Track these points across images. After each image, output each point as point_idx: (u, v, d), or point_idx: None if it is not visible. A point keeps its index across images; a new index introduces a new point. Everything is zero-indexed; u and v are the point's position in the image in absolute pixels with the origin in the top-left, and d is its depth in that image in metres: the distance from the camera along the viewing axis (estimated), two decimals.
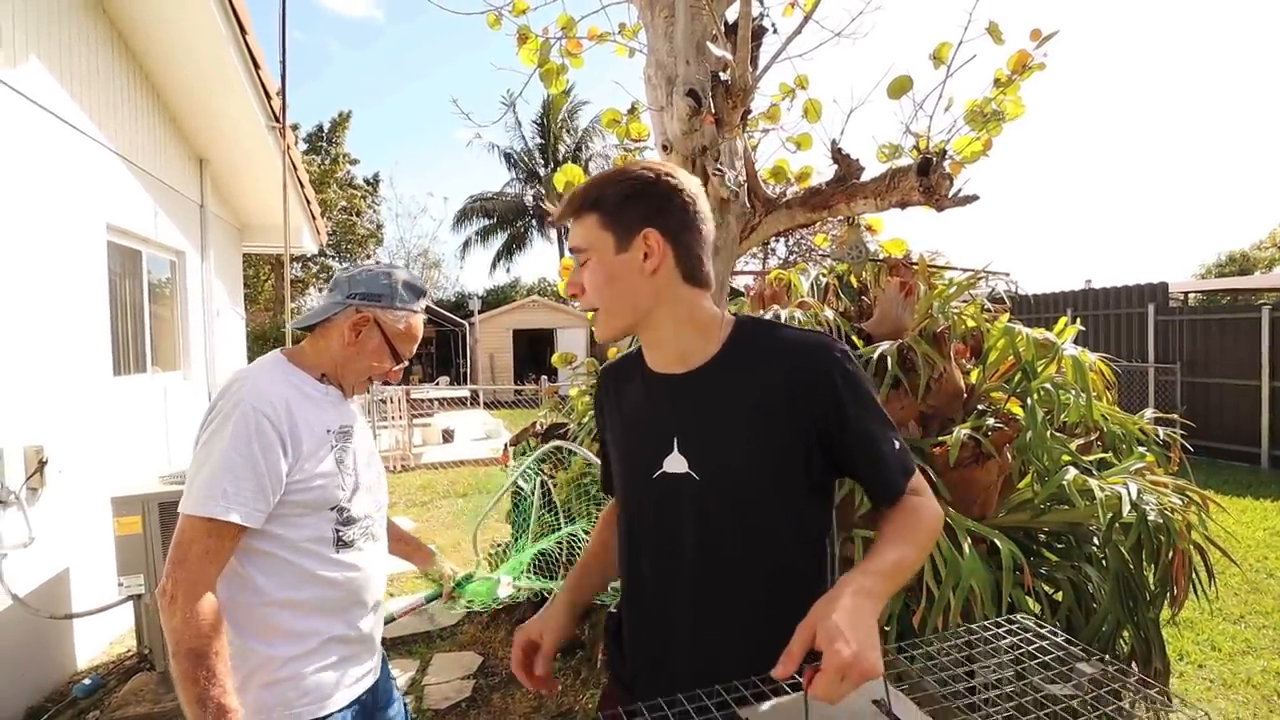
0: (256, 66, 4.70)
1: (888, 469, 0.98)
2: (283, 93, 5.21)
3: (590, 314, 1.04)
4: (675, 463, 1.00)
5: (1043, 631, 0.97)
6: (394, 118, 64.11)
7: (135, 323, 4.63)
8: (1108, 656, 0.88)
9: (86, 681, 3.13)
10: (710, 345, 1.02)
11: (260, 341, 21.87)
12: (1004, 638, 0.97)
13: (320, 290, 27.73)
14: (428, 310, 1.53)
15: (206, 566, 1.14)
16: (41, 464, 3.10)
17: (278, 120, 5.22)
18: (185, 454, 4.98)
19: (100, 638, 3.66)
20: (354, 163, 26.67)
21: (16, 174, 3.16)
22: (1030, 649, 0.94)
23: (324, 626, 1.28)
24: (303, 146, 24.38)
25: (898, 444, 1.00)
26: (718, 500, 0.99)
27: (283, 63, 5.30)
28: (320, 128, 25.37)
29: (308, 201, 6.86)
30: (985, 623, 1.03)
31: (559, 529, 3.72)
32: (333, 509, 1.29)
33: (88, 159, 3.84)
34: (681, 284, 1.01)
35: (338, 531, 1.30)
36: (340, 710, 1.29)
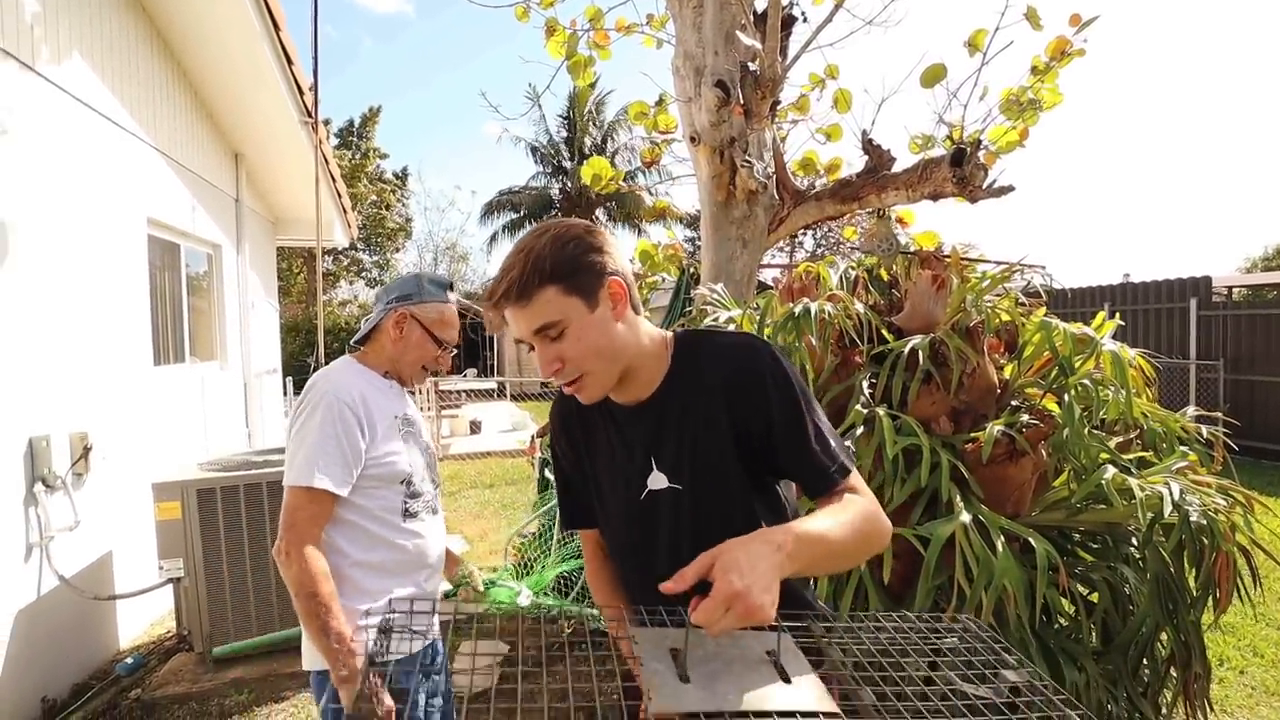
0: (290, 62, 4.77)
1: (820, 461, 1.02)
2: (315, 88, 5.29)
3: (565, 384, 1.04)
4: (658, 480, 1.08)
5: (983, 635, 0.94)
6: (422, 112, 64.69)
7: (174, 314, 4.76)
8: (1040, 675, 0.82)
9: (129, 661, 3.23)
10: (663, 364, 1.09)
11: (293, 333, 22.29)
12: (940, 634, 0.96)
13: (350, 283, 28.15)
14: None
15: (310, 527, 1.41)
16: (86, 450, 3.20)
17: (310, 115, 5.30)
18: (222, 442, 5.11)
19: (141, 619, 3.78)
20: (384, 157, 27.00)
21: (62, 169, 3.26)
22: (960, 647, 0.92)
23: (393, 585, 1.50)
24: (334, 141, 24.75)
25: (833, 442, 1.04)
26: (701, 504, 1.06)
27: (315, 58, 5.38)
28: (351, 123, 25.71)
29: (339, 195, 6.96)
30: (927, 615, 1.01)
31: None
32: (402, 482, 1.54)
33: (129, 154, 3.94)
34: (634, 317, 1.06)
35: (405, 503, 1.54)
36: (407, 657, 1.46)
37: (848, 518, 0.95)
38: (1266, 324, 8.11)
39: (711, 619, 0.75)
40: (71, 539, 3.10)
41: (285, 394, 7.47)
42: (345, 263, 26.58)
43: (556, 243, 0.99)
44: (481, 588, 1.85)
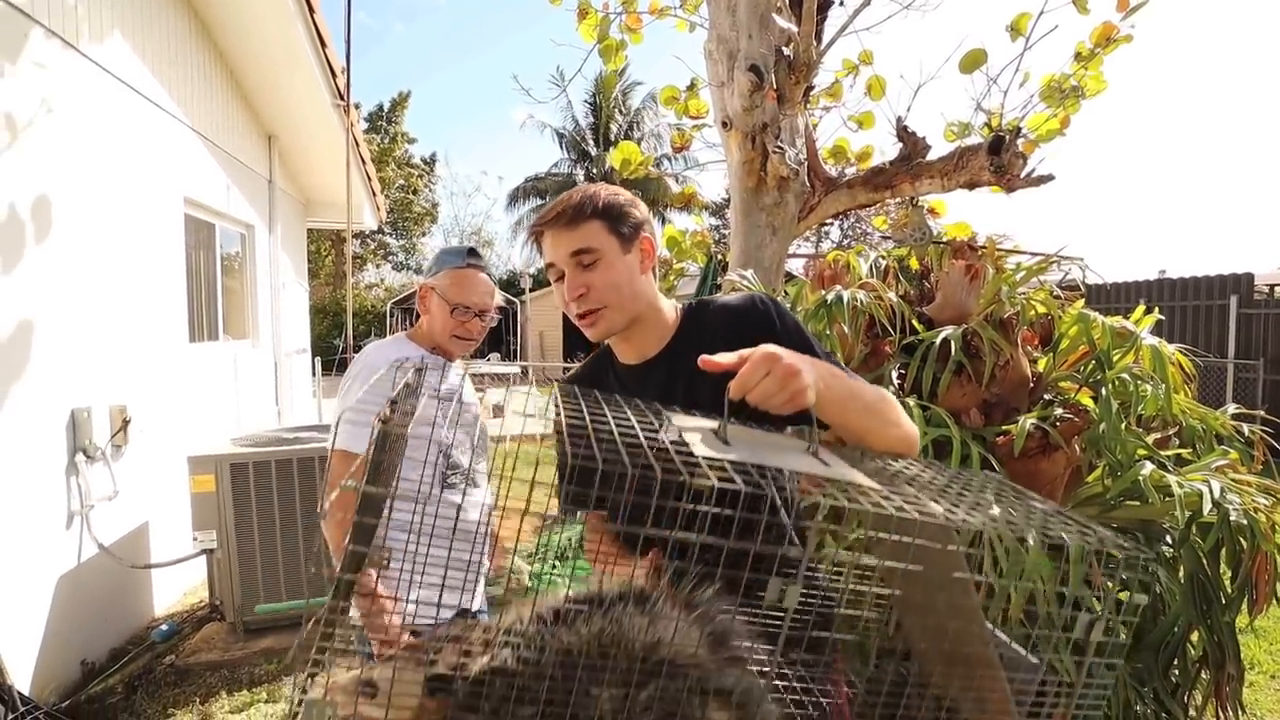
0: (323, 45, 4.81)
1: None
2: (347, 71, 5.33)
3: (582, 315, 1.12)
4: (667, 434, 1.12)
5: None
6: (450, 97, 64.89)
7: (209, 293, 4.85)
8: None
9: (164, 628, 3.33)
10: (670, 329, 1.18)
11: (321, 315, 22.63)
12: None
13: (378, 266, 28.48)
14: None
15: (350, 491, 1.40)
16: (125, 423, 3.29)
17: (342, 98, 5.34)
18: (254, 419, 5.22)
19: (175, 588, 3.89)
20: (411, 141, 27.18)
21: (103, 147, 3.33)
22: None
23: (430, 552, 1.50)
24: (363, 125, 24.95)
25: (853, 374, 1.06)
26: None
27: (348, 41, 5.42)
28: (380, 107, 25.91)
29: (369, 179, 7.03)
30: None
31: None
32: (440, 453, 1.57)
33: (167, 134, 4.01)
34: (652, 280, 1.18)
35: (444, 474, 1.59)
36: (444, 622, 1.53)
37: (868, 386, 1.01)
38: None
39: (750, 379, 0.77)
40: (110, 508, 3.20)
41: (314, 374, 7.59)
42: (372, 246, 26.89)
43: (609, 191, 1.14)
44: (528, 582, 1.88)
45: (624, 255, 1.12)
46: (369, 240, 26.27)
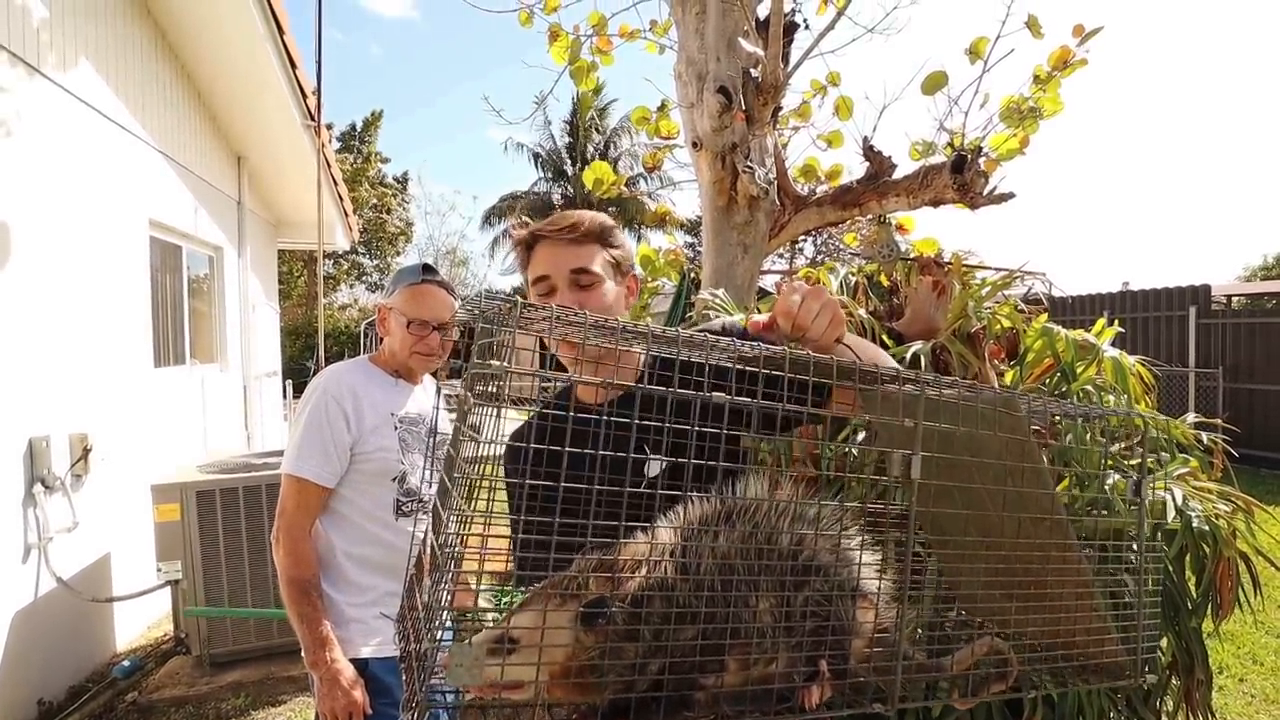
0: (293, 66, 4.79)
1: None
2: (318, 91, 5.31)
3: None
4: (654, 466, 1.10)
5: None
6: (427, 117, 64.82)
7: (175, 316, 4.76)
8: None
9: (125, 663, 3.22)
10: (635, 370, 1.15)
11: (293, 337, 22.25)
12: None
13: (350, 287, 28.16)
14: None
15: (299, 516, 1.46)
16: (86, 451, 3.20)
17: (313, 119, 5.31)
18: (222, 444, 5.11)
19: (139, 621, 3.77)
20: (385, 161, 27.05)
21: (66, 170, 3.27)
22: None
23: (382, 583, 1.52)
24: (335, 145, 24.81)
25: None
26: (698, 472, 1.10)
27: (318, 61, 5.40)
28: (353, 126, 25.77)
29: (340, 199, 6.97)
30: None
31: None
32: (394, 480, 1.54)
33: (132, 156, 3.95)
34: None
35: (398, 501, 1.54)
36: (395, 656, 1.50)
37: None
38: (1266, 332, 8.13)
39: (806, 318, 0.82)
40: (70, 540, 3.10)
41: (285, 397, 7.46)
42: (345, 266, 26.59)
43: (611, 223, 1.15)
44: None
45: (616, 287, 1.12)
46: (342, 260, 26.00)
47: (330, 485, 1.49)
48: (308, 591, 1.42)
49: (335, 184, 6.57)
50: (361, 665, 1.44)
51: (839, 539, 0.71)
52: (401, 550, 1.54)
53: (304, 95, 5.11)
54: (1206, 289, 8.85)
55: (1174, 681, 2.15)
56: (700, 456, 0.99)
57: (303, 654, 1.40)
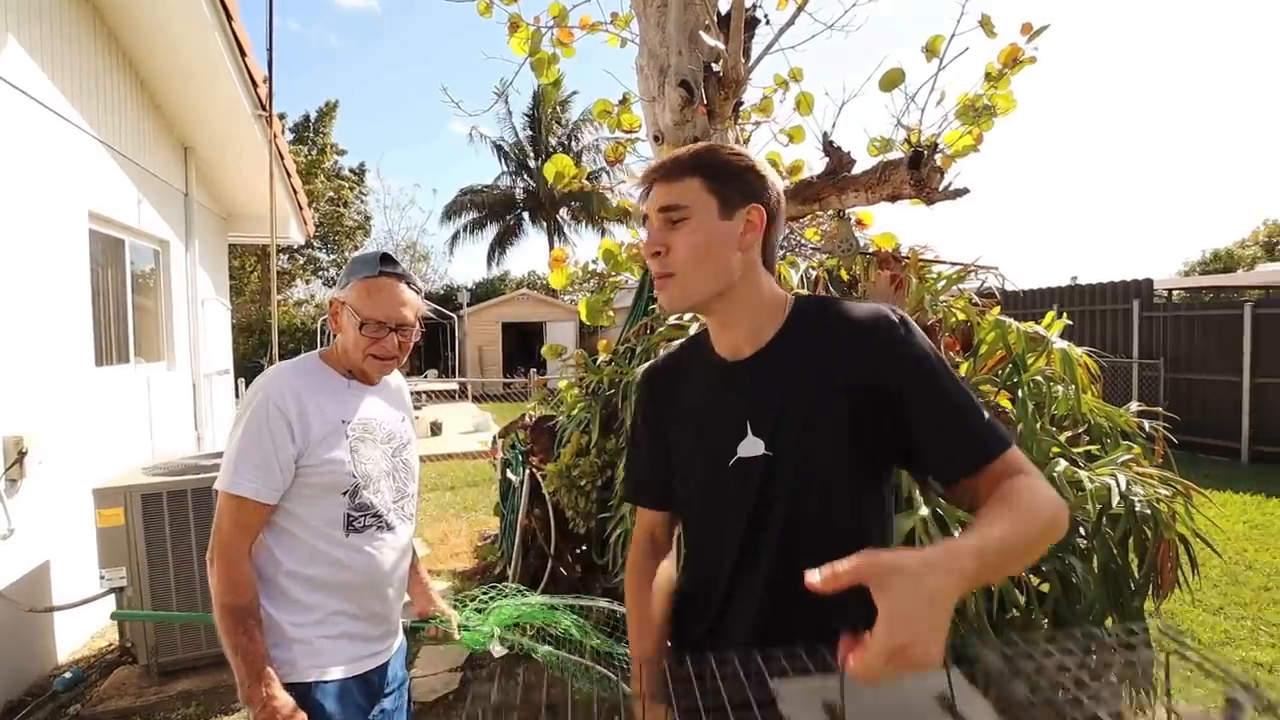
0: (243, 54, 4.62)
1: (967, 431, 0.90)
2: (269, 80, 5.14)
3: (656, 276, 1.00)
4: (751, 446, 0.99)
5: (1185, 643, 0.79)
6: (388, 108, 63.53)
7: (118, 313, 4.56)
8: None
9: (67, 675, 3.08)
10: (775, 324, 1.02)
11: (246, 334, 21.62)
12: (1131, 647, 0.81)
13: (307, 282, 27.48)
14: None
15: (237, 535, 1.32)
16: (21, 455, 3.05)
17: (264, 108, 5.14)
18: (170, 445, 4.93)
19: (82, 631, 3.61)
20: (341, 153, 26.39)
21: None
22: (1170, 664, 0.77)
23: (330, 602, 1.39)
24: (289, 136, 24.10)
25: (983, 412, 0.92)
26: (799, 477, 0.96)
27: (269, 49, 5.23)
28: (307, 117, 25.06)
29: (294, 191, 6.78)
30: (1111, 628, 0.92)
31: (549, 523, 3.70)
32: (344, 494, 1.39)
33: (68, 145, 3.77)
34: (760, 265, 1.03)
35: (349, 516, 1.40)
36: (343, 680, 1.38)
37: (1032, 518, 0.79)
38: (1204, 324, 8.50)
39: (870, 673, 0.62)
40: (5, 548, 2.95)
41: (237, 396, 7.23)
42: (301, 261, 25.91)
43: (729, 150, 1.01)
44: (457, 635, 1.73)
45: (720, 220, 0.97)
46: (298, 255, 25.32)
47: (272, 502, 1.33)
48: (244, 620, 1.28)
49: (288, 176, 6.38)
50: (304, 691, 1.32)
51: None
52: (352, 568, 1.40)
53: (254, 84, 4.94)
54: (1149, 283, 9.20)
55: (1117, 658, 2.23)
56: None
57: (238, 687, 1.27)
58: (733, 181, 0.98)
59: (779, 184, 1.02)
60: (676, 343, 1.17)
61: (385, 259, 1.44)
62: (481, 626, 1.79)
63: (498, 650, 1.78)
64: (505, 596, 2.03)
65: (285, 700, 1.27)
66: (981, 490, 0.88)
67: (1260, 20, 78.00)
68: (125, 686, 3.03)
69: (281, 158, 5.87)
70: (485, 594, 2.03)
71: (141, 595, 2.96)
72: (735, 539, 1.02)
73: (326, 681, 1.36)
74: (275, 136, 5.27)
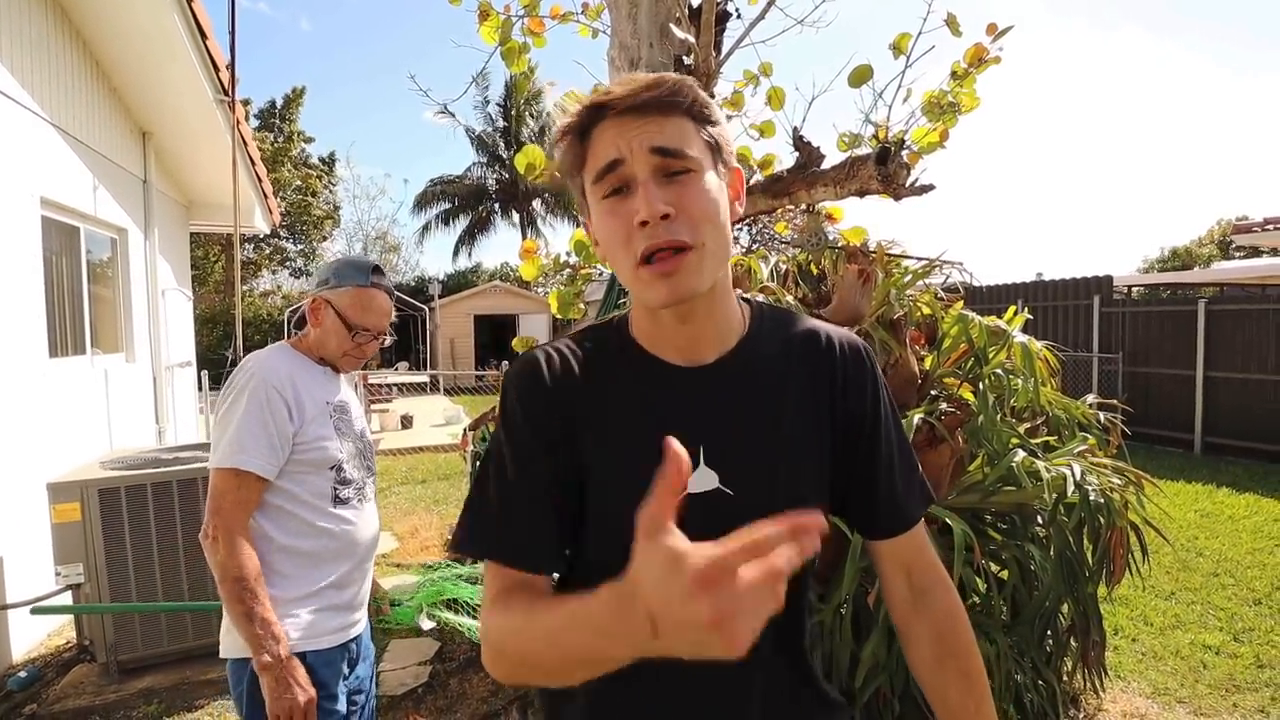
0: (204, 36, 4.50)
1: (910, 490, 0.85)
2: (232, 65, 5.01)
3: (659, 251, 0.70)
4: (702, 479, 0.76)
5: None
6: (360, 95, 62.33)
7: (73, 303, 4.43)
8: None
9: (22, 674, 3.00)
10: (739, 327, 0.82)
11: (210, 325, 21.11)
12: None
13: (273, 273, 26.92)
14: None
15: (237, 512, 1.38)
16: None
17: (227, 93, 5.01)
18: (130, 439, 4.80)
19: (38, 629, 3.51)
20: (309, 141, 25.86)
21: None
22: None
23: (317, 574, 1.47)
24: (254, 123, 23.51)
25: (919, 467, 0.87)
26: (753, 518, 0.73)
27: (232, 33, 5.10)
28: (273, 103, 24.48)
29: (259, 179, 6.63)
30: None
31: None
32: (332, 468, 1.50)
33: (18, 127, 3.63)
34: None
35: (335, 489, 1.51)
36: (331, 649, 1.47)
37: (984, 680, 0.82)
38: (1160, 320, 8.77)
39: None
40: None
41: (200, 388, 7.07)
42: (268, 251, 25.35)
43: (709, 100, 0.75)
44: (387, 608, 1.85)
45: (718, 180, 0.75)
46: (264, 245, 24.76)
47: (272, 478, 1.42)
48: (255, 589, 1.34)
49: (252, 163, 6.24)
50: (300, 659, 1.40)
51: None
52: (339, 539, 1.51)
53: (216, 68, 4.81)
54: (1109, 280, 9.46)
55: (1072, 643, 2.31)
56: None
57: (253, 657, 1.32)
58: (718, 130, 0.75)
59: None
60: (575, 330, 0.87)
61: (376, 270, 1.60)
62: (409, 603, 1.89)
63: (426, 624, 1.88)
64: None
65: (298, 659, 1.37)
66: (887, 555, 0.85)
67: (1216, 31, 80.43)
68: (83, 685, 2.95)
69: (245, 144, 5.73)
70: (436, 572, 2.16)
71: (100, 592, 2.89)
72: None
73: (318, 650, 1.45)
74: (238, 123, 5.14)
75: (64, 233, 4.32)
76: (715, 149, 0.75)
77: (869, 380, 0.83)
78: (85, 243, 4.57)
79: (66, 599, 2.97)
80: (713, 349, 0.79)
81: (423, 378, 16.88)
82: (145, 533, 2.96)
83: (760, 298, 2.45)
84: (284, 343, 1.60)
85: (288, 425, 1.43)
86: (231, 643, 1.42)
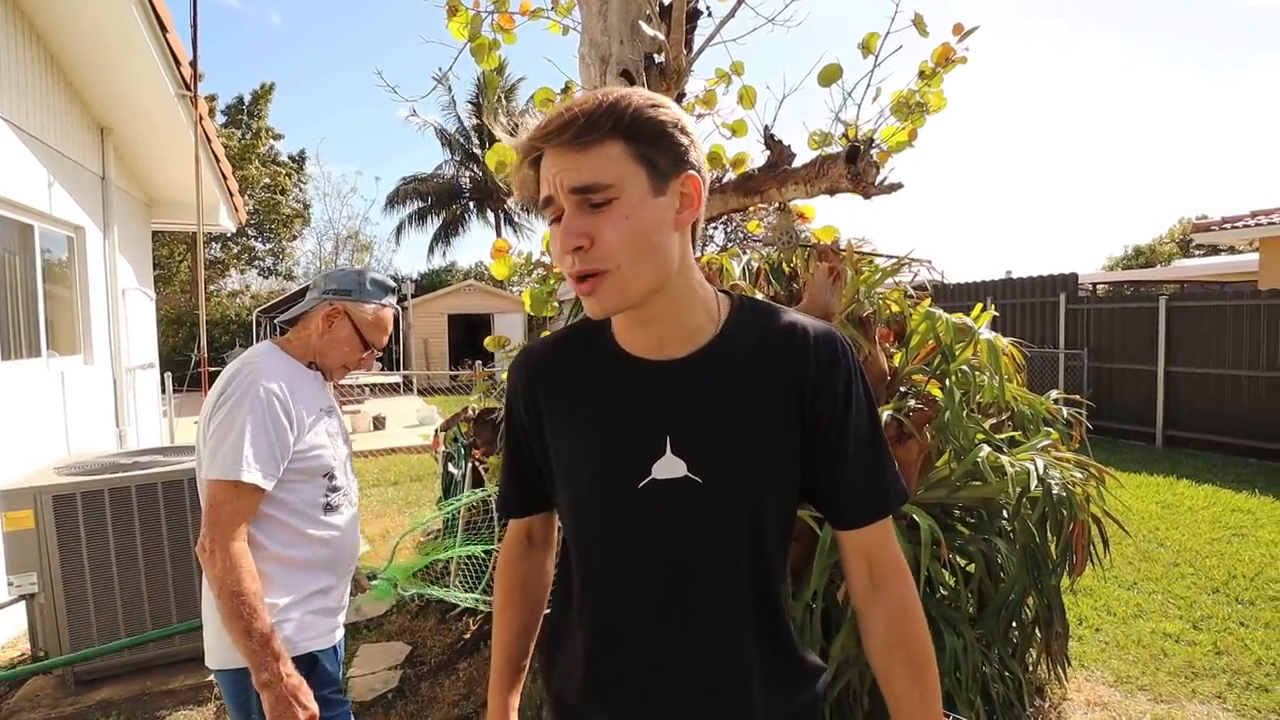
0: (164, 29, 4.38)
1: (876, 485, 0.87)
2: (194, 58, 4.88)
3: (577, 278, 0.79)
4: (669, 466, 0.82)
5: None
6: (331, 92, 61.27)
7: (28, 303, 4.28)
8: None
9: None
10: (713, 323, 0.86)
11: (175, 326, 20.63)
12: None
13: (242, 272, 26.37)
14: None
15: (236, 523, 1.35)
16: None
17: (189, 88, 4.88)
18: (88, 444, 4.66)
19: None
20: (277, 138, 25.36)
21: None
22: None
23: (311, 580, 1.47)
24: (221, 120, 23.00)
25: (893, 464, 0.90)
26: (724, 509, 0.83)
27: (194, 26, 4.96)
28: (240, 100, 23.98)
29: (224, 177, 6.47)
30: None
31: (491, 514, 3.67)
32: (325, 476, 1.50)
33: None
34: (689, 246, 0.84)
35: (327, 497, 1.50)
36: (320, 651, 1.48)
37: (932, 672, 0.86)
38: (1123, 317, 8.99)
39: None
40: None
41: (164, 391, 6.89)
42: (236, 250, 24.84)
43: (647, 101, 0.78)
44: (366, 583, 1.86)
45: (653, 197, 0.77)
46: (231, 244, 24.25)
47: (270, 488, 1.39)
48: (255, 604, 1.31)
49: (217, 160, 6.09)
50: (311, 660, 1.42)
51: None
52: (330, 546, 1.50)
53: (177, 63, 4.69)
54: (1074, 277, 9.67)
55: (1038, 634, 2.35)
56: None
57: (253, 674, 1.29)
58: (663, 143, 0.77)
59: (695, 128, 0.83)
60: (566, 326, 0.97)
61: (395, 290, 1.66)
62: (384, 575, 1.89)
63: (407, 592, 1.89)
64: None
65: (298, 675, 1.35)
66: (851, 544, 0.89)
67: (1178, 36, 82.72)
68: (39, 698, 2.86)
69: (209, 141, 5.60)
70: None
71: (55, 602, 2.80)
72: (639, 582, 0.86)
73: (321, 649, 1.47)
74: (201, 118, 5.02)
75: (16, 230, 4.18)
76: (652, 163, 0.77)
77: (841, 378, 0.85)
78: (40, 241, 4.42)
79: (20, 610, 2.88)
80: (683, 345, 0.85)
81: (395, 378, 16.68)
82: (103, 540, 2.87)
83: None
84: (272, 344, 1.55)
85: (288, 435, 1.41)
86: (223, 653, 1.40)
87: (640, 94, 0.79)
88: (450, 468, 4.06)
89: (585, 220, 0.76)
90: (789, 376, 0.84)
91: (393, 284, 1.65)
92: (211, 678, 2.81)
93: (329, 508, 1.50)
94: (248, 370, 1.42)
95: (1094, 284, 13.53)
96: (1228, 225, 10.16)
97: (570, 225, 0.77)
